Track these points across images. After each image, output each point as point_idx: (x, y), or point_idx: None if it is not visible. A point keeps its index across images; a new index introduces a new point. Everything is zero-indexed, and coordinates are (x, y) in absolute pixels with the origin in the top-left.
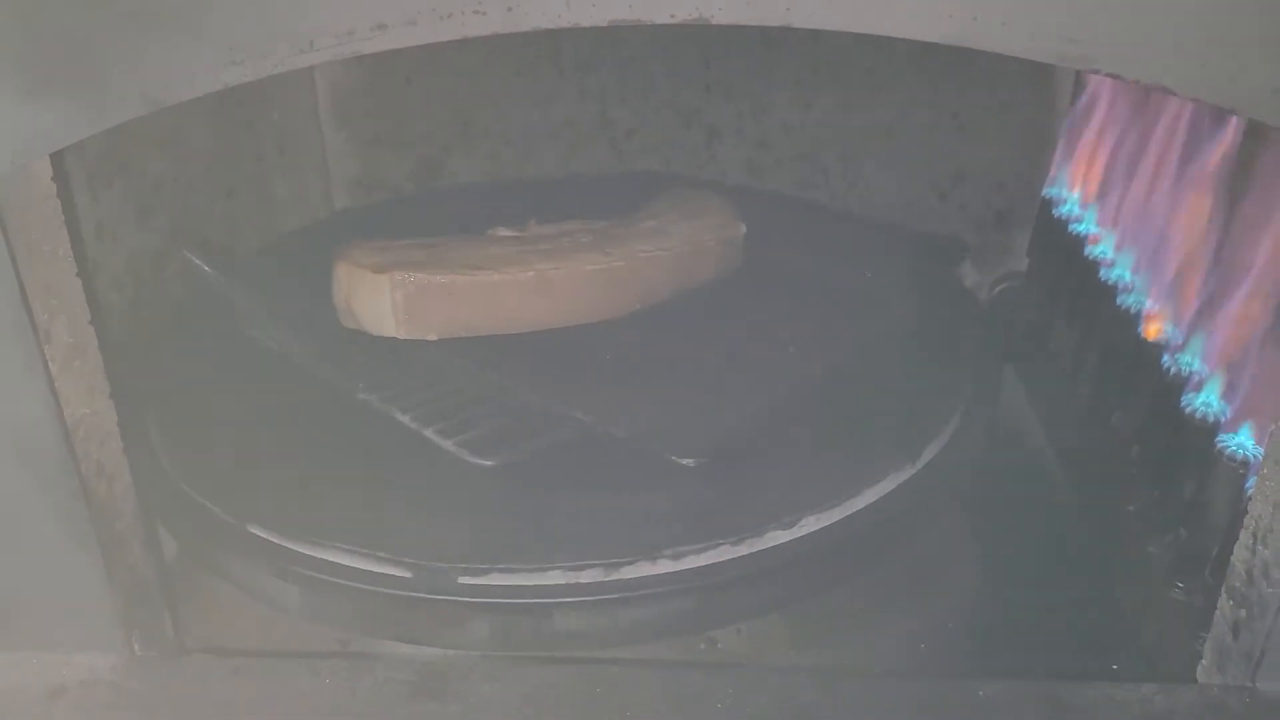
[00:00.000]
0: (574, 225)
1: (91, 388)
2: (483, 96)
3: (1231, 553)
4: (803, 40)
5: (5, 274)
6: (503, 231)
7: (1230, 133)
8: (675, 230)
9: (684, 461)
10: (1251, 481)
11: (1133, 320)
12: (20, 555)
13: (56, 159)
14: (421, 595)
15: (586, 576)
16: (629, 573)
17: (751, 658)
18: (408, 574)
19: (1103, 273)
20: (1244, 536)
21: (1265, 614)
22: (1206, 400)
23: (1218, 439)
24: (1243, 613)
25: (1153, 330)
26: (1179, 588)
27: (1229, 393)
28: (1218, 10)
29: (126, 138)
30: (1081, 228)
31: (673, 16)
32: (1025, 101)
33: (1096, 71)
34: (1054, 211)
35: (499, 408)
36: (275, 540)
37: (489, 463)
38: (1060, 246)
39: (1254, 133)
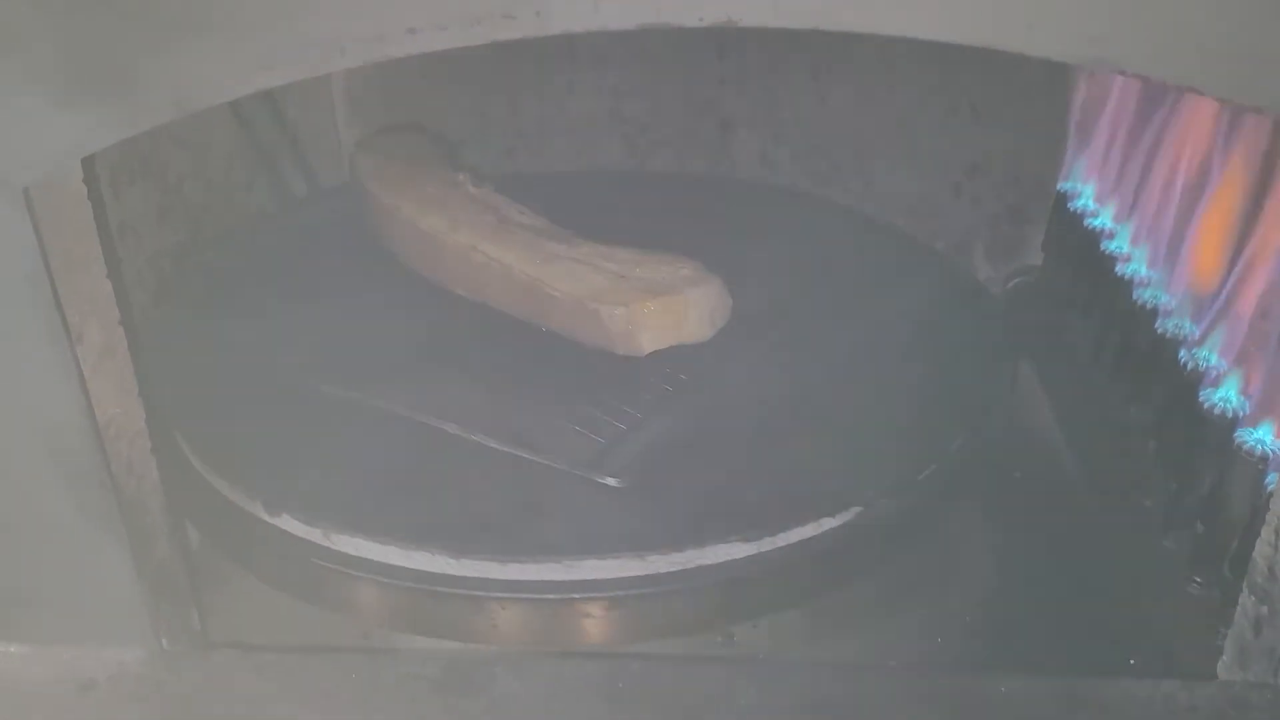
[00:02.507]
0: (532, 217)
1: (121, 387)
2: (497, 90)
3: (1252, 548)
4: (818, 32)
5: (40, 279)
6: (461, 178)
7: (1254, 125)
8: (584, 277)
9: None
10: (1272, 478)
11: (1150, 314)
12: (52, 551)
13: (87, 162)
14: (446, 589)
15: (608, 571)
16: (650, 567)
17: (770, 652)
18: (433, 567)
19: (1119, 267)
20: (1265, 533)
21: None
22: (1225, 395)
23: (1236, 434)
24: (1264, 609)
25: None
26: (1196, 582)
27: (1248, 388)
28: (1245, 8)
29: (149, 136)
30: (1098, 222)
31: (701, 20)
32: (1043, 92)
33: (1123, 73)
34: (1069, 205)
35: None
36: (299, 533)
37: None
38: (1076, 240)
39: (1278, 126)
